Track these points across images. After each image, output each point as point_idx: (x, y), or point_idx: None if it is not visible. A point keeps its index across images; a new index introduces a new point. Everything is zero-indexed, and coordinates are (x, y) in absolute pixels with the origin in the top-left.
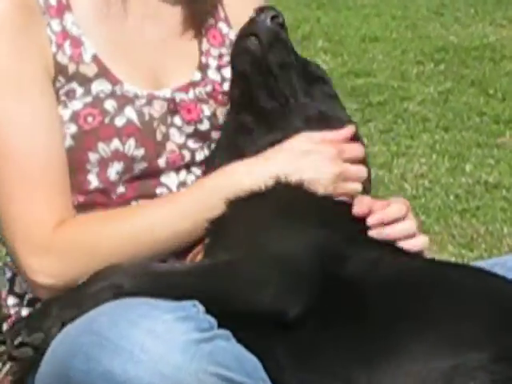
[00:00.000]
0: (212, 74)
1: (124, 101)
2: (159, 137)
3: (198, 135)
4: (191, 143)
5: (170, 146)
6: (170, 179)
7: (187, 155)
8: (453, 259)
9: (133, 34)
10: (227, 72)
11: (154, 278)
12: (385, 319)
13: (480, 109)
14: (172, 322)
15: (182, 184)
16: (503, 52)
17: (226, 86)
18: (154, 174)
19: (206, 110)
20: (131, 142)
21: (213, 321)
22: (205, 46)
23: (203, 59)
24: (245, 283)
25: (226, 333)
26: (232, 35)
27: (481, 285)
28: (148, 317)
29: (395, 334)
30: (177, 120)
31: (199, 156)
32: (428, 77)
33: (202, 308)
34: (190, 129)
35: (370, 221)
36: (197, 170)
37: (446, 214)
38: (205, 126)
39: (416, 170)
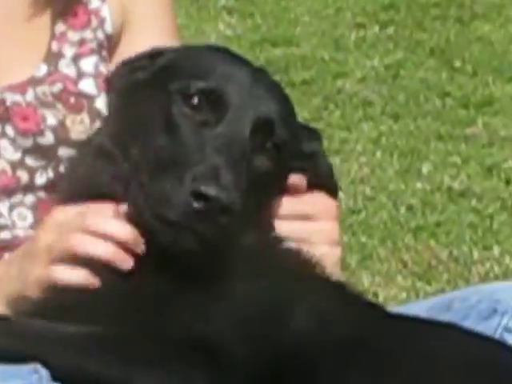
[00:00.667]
0: (64, 67)
1: None
2: None
3: (38, 151)
4: (30, 161)
5: (0, 165)
6: (1, 206)
7: (24, 176)
8: (403, 295)
9: None
10: (87, 64)
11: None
12: None
13: (442, 88)
14: None
15: (17, 206)
16: (474, 9)
17: (84, 85)
18: None
19: (51, 118)
20: None
21: None
22: (59, 27)
23: (54, 46)
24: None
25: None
26: (105, 12)
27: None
28: None
29: None
30: (9, 130)
31: (41, 179)
32: (371, 45)
33: (45, 373)
34: (27, 142)
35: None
36: (39, 194)
37: (394, 234)
38: (47, 139)
39: (354, 172)
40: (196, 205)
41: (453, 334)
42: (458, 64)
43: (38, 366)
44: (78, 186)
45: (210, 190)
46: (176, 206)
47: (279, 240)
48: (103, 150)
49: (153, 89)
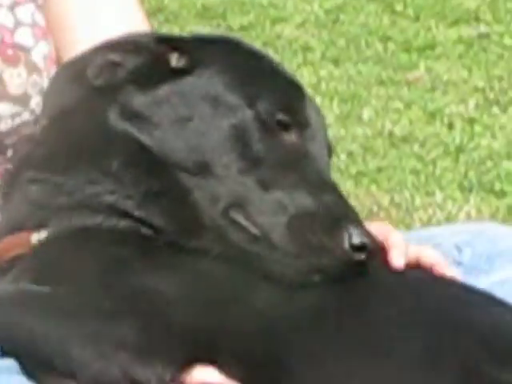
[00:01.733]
0: (1, 16)
1: None
2: None
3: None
4: None
5: None
6: None
7: None
8: None
9: None
10: (24, 13)
11: None
12: None
13: (383, 32)
14: None
15: None
16: None
17: (21, 36)
18: None
19: None
20: None
21: None
22: None
23: None
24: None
25: (8, 363)
26: None
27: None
28: None
29: None
30: None
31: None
32: None
33: None
34: None
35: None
36: None
37: (335, 179)
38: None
39: None
40: (358, 257)
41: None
42: (399, 8)
43: None
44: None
45: (365, 240)
46: (334, 259)
47: None
48: (140, 152)
49: (214, 100)
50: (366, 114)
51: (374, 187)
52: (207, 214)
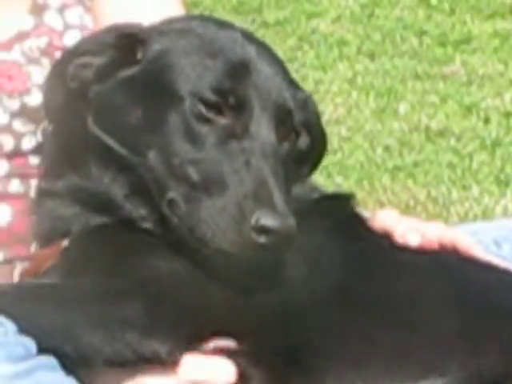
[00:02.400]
0: (50, 19)
1: None
2: None
3: (26, 113)
4: (18, 125)
5: None
6: None
7: (8, 142)
8: None
9: None
10: (73, 16)
11: None
12: None
13: (419, 26)
14: None
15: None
16: None
17: (70, 38)
18: None
19: (37, 75)
20: None
21: (30, 344)
22: None
23: None
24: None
25: (50, 360)
26: None
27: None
28: None
29: None
30: None
31: (29, 144)
32: None
33: (11, 327)
34: (14, 103)
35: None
36: (26, 159)
37: (371, 174)
38: (34, 98)
39: (330, 113)
40: (260, 239)
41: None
42: (434, 2)
43: (3, 320)
44: (87, 196)
45: (273, 223)
46: (235, 238)
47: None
48: (110, 151)
49: (152, 88)
50: (402, 108)
51: (410, 181)
52: (151, 200)
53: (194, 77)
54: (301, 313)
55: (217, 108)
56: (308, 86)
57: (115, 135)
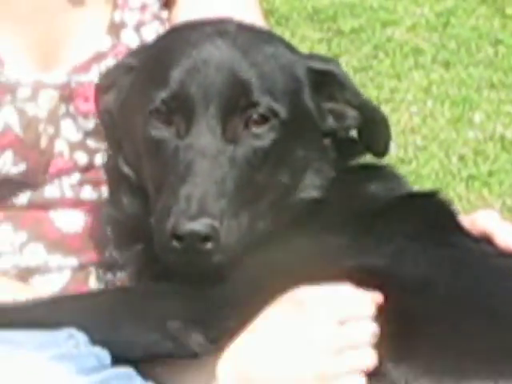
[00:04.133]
0: (127, 37)
1: (1, 94)
2: (44, 142)
3: (100, 133)
4: (91, 143)
5: (58, 146)
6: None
7: (82, 159)
8: None
9: None
10: (150, 32)
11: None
12: None
13: (495, 35)
14: (43, 364)
15: (74, 187)
16: None
17: None
18: (39, 201)
19: None
20: (8, 156)
21: (103, 354)
22: None
23: (117, 16)
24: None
25: (126, 371)
26: None
27: None
28: (8, 360)
29: None
30: (72, 110)
31: (101, 159)
32: None
33: (82, 338)
34: (88, 124)
35: None
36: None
37: (446, 183)
38: None
39: (405, 122)
40: (176, 244)
41: None
42: (510, 11)
43: (73, 331)
44: (124, 229)
45: (183, 228)
46: (162, 246)
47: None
48: (129, 179)
49: (132, 108)
50: (478, 117)
51: (485, 191)
52: None
53: (151, 91)
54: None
55: (166, 119)
56: (383, 95)
57: (131, 164)
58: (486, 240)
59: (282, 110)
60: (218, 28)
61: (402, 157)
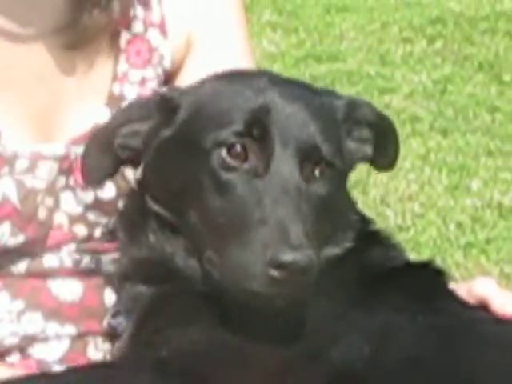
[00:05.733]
0: (132, 93)
1: None
2: (42, 214)
3: (99, 206)
4: (91, 216)
5: (58, 219)
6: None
7: (81, 231)
8: None
9: (15, 65)
10: (150, 89)
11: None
12: None
13: (491, 102)
14: None
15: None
16: None
17: None
18: (38, 270)
19: None
20: (5, 227)
21: None
22: (122, 67)
23: (116, 88)
24: None
25: None
26: (165, 49)
27: None
28: None
29: None
30: (72, 182)
31: (100, 232)
32: (418, 60)
33: None
34: (87, 196)
35: None
36: (96, 244)
37: (444, 250)
38: (108, 192)
39: (402, 189)
40: (275, 274)
41: None
42: (507, 78)
43: None
44: (150, 267)
45: (287, 257)
46: (255, 276)
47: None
48: (164, 219)
49: (185, 147)
50: (475, 184)
51: (483, 258)
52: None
53: (216, 128)
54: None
55: (240, 154)
56: None
57: (163, 202)
58: (482, 307)
59: (338, 161)
60: (270, 78)
61: (400, 224)
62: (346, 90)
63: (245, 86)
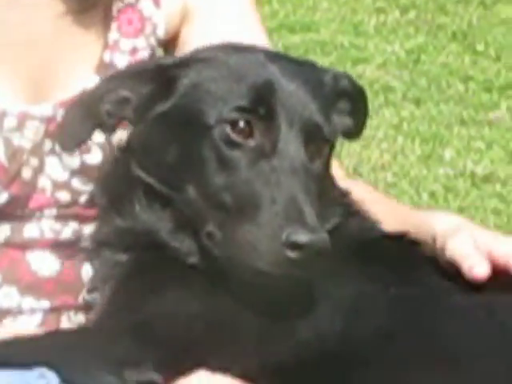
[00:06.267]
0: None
1: None
2: (27, 174)
3: (85, 172)
4: (76, 183)
5: (42, 182)
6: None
7: (64, 197)
8: None
9: (10, 25)
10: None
11: None
12: None
13: (465, 72)
14: None
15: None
16: None
17: None
18: (17, 240)
19: (98, 135)
20: None
21: None
22: (113, 35)
23: (106, 56)
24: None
25: None
26: (159, 18)
27: None
28: None
29: None
30: (57, 148)
31: (83, 199)
32: (391, 30)
33: (53, 377)
34: (74, 162)
35: None
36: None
37: None
38: (95, 157)
39: (375, 159)
40: (291, 254)
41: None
42: (480, 48)
43: (44, 371)
44: (133, 237)
45: (303, 238)
46: (269, 256)
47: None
48: (153, 190)
49: (185, 122)
50: (448, 154)
51: None
52: (195, 234)
53: (220, 103)
54: (340, 358)
55: (244, 130)
56: None
57: (156, 173)
58: (455, 268)
59: (333, 138)
60: (267, 54)
61: None
62: (319, 60)
63: (246, 60)
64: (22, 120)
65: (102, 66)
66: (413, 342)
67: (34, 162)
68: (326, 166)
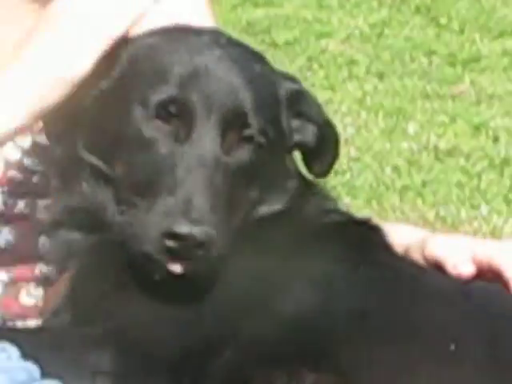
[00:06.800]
0: None
1: None
2: None
3: (37, 152)
4: (29, 163)
5: None
6: None
7: (16, 176)
8: None
9: None
10: None
11: None
12: None
13: (428, 45)
14: None
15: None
16: None
17: None
18: None
19: None
20: None
21: (33, 368)
22: None
23: None
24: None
25: (52, 382)
26: None
27: None
28: None
29: None
30: None
31: (35, 179)
32: (355, 4)
33: (15, 352)
34: (25, 141)
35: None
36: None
37: (380, 194)
38: (45, 138)
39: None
40: (170, 243)
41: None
42: (444, 21)
43: (6, 345)
44: (84, 216)
45: (181, 229)
46: (149, 243)
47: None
48: (93, 167)
49: (119, 101)
50: (411, 127)
51: (419, 201)
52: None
53: (146, 87)
54: (318, 333)
55: (165, 116)
56: None
57: (96, 152)
58: (437, 268)
59: (271, 132)
60: (213, 38)
61: (336, 168)
62: (282, 34)
63: (182, 45)
64: None
65: None
66: (387, 319)
67: None
68: (268, 158)
